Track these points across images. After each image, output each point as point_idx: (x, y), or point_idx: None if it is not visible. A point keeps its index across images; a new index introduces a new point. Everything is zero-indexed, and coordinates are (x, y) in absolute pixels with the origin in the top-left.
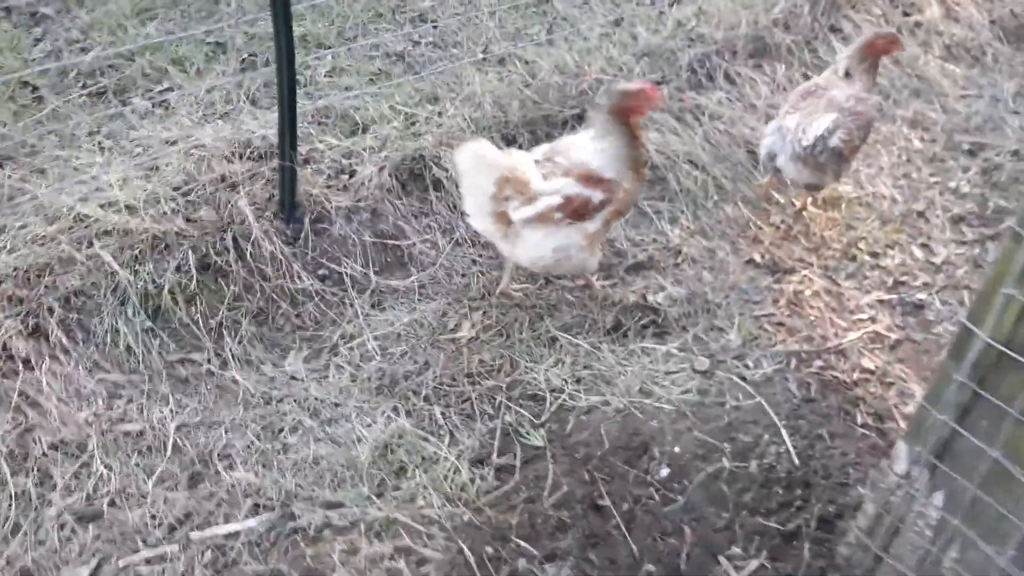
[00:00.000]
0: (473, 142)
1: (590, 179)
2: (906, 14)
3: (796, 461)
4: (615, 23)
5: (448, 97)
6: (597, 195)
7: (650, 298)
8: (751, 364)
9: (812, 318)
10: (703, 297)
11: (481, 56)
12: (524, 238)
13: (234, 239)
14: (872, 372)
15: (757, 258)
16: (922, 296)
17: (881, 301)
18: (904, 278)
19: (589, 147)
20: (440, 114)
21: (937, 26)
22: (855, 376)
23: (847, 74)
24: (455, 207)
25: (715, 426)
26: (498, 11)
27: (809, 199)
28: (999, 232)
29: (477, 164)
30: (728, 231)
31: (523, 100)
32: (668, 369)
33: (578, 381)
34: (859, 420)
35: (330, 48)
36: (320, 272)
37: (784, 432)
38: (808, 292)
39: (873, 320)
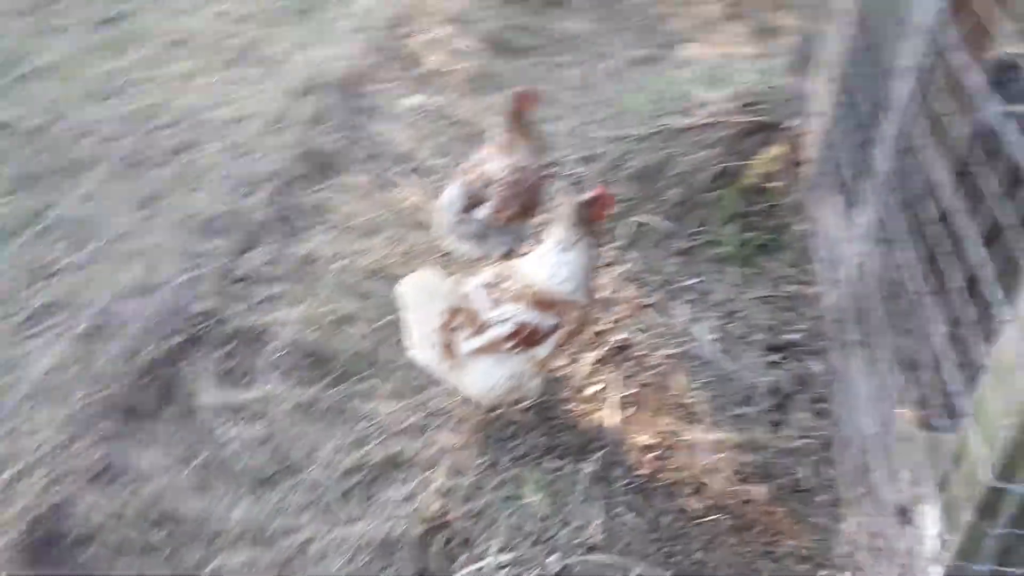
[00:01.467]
0: (419, 272)
1: (542, 303)
2: None
3: None
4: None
5: None
6: (548, 320)
7: (427, 501)
8: (588, 528)
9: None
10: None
11: None
12: (471, 370)
13: None
14: (657, 441)
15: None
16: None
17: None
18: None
19: (548, 261)
20: None
21: None
22: (646, 454)
23: (507, 145)
24: None
25: None
26: None
27: None
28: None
29: (422, 296)
30: None
31: None
32: None
33: None
34: (696, 507)
35: None
36: None
37: None
38: None
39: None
